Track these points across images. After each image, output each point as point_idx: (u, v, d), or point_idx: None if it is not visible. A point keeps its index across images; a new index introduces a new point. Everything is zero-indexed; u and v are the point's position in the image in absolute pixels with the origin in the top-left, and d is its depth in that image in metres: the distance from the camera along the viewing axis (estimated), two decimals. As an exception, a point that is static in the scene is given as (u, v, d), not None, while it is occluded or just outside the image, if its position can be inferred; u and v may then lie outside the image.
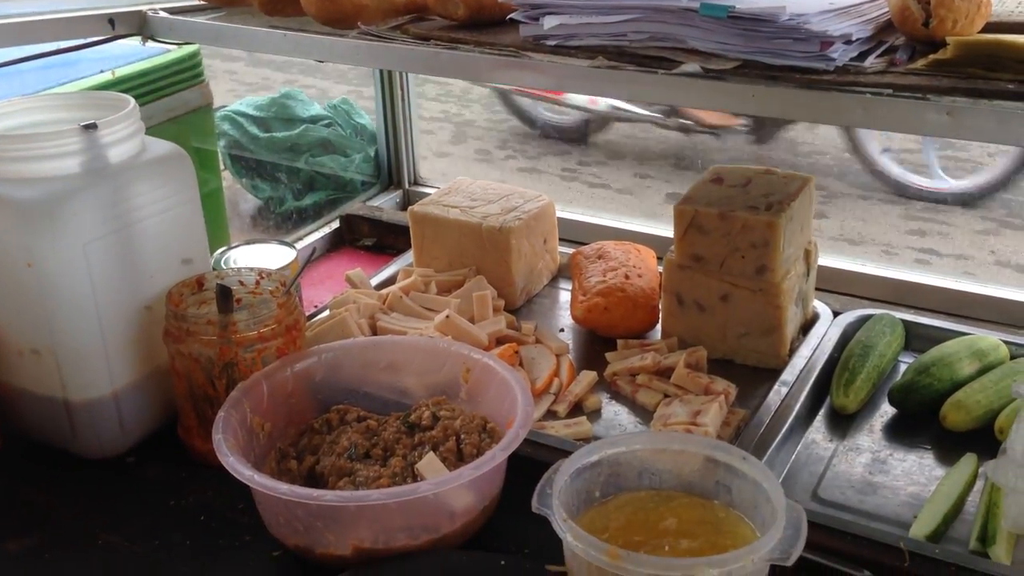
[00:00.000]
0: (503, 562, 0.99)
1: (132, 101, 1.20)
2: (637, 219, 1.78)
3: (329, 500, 0.95)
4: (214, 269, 1.39)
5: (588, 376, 1.34)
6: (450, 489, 0.98)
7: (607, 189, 4.32)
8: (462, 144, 4.80)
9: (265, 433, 1.13)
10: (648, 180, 4.38)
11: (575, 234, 1.75)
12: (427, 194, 1.95)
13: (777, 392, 1.26)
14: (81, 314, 1.14)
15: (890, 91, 0.96)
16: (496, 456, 1.00)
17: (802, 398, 1.25)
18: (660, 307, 1.45)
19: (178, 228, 1.23)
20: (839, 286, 1.55)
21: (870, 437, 1.23)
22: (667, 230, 1.73)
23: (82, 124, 1.12)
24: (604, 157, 4.61)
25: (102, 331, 1.16)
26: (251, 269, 1.27)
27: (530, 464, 1.09)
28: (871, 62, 1.01)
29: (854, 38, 1.02)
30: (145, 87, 1.50)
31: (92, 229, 1.12)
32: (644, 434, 1.14)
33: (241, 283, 1.26)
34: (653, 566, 0.89)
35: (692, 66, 1.04)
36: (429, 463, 1.06)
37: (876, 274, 1.57)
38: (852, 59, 1.01)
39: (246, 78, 5.59)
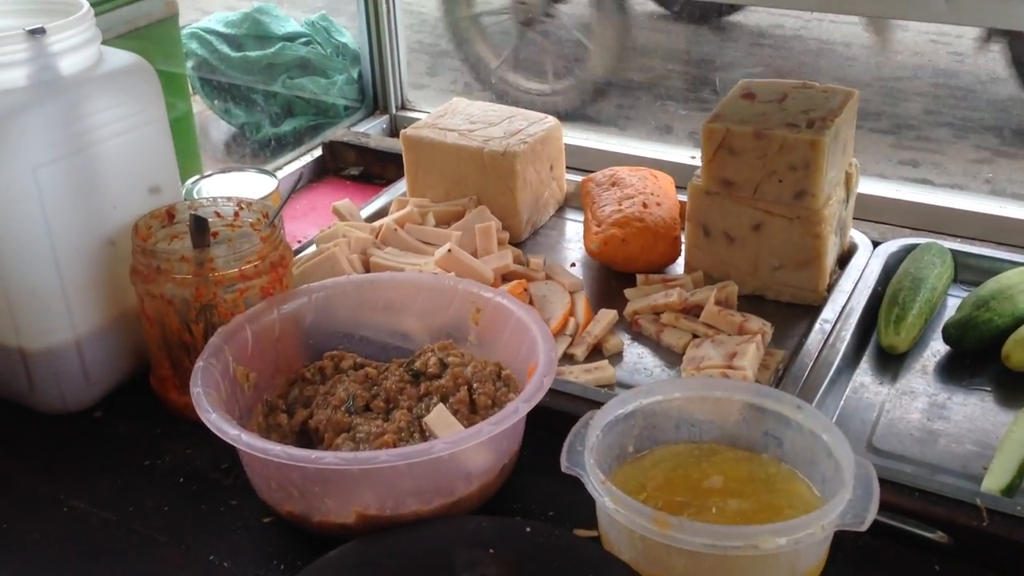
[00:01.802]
0: (528, 529, 0.86)
1: (86, 4, 1.03)
2: (648, 143, 1.64)
3: (329, 463, 0.82)
4: (186, 200, 1.24)
5: (607, 315, 1.21)
6: (467, 448, 0.85)
7: (591, 122, 4.16)
8: (438, 76, 4.60)
9: (250, 384, 0.99)
10: (631, 111, 4.23)
11: (580, 161, 1.61)
12: (415, 120, 1.80)
13: (819, 331, 1.14)
14: (34, 250, 0.99)
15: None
16: (519, 409, 0.87)
17: (848, 337, 1.12)
18: (682, 238, 1.32)
19: (143, 151, 1.07)
20: (869, 213, 1.42)
21: (924, 379, 1.11)
22: (680, 155, 1.60)
23: (28, 29, 0.96)
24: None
25: (59, 269, 1.01)
26: (229, 199, 1.12)
27: (549, 415, 0.97)
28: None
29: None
30: (101, -7, 1.33)
31: (43, 151, 0.97)
32: (682, 380, 1.02)
33: (218, 215, 1.11)
34: (709, 535, 0.77)
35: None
36: (439, 416, 0.93)
37: (910, 199, 1.44)
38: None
39: (214, -4, 5.31)
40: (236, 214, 1.11)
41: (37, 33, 0.96)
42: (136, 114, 1.06)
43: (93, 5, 1.30)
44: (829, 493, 0.86)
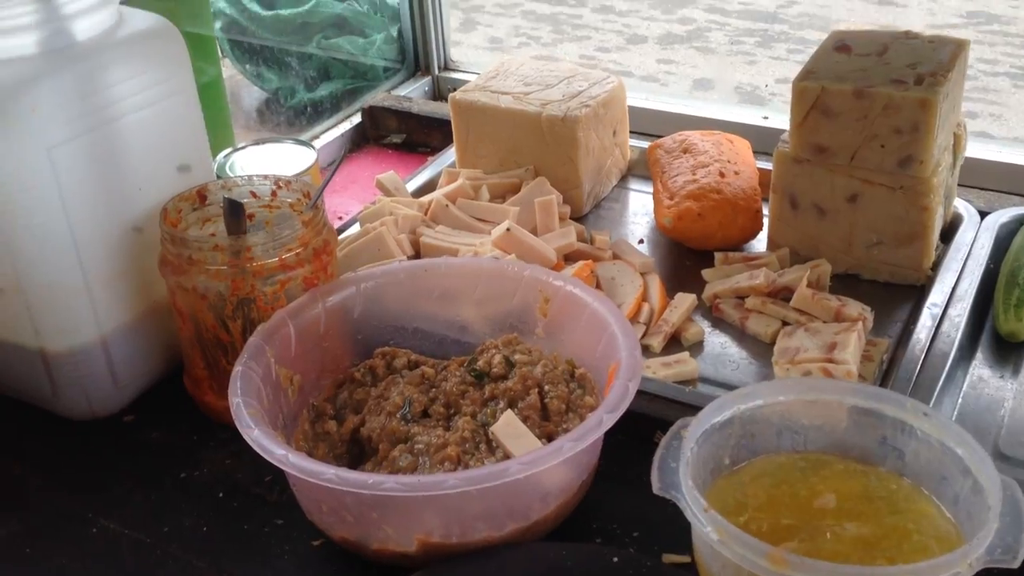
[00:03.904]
0: (615, 559, 0.75)
1: (101, -41, 0.92)
2: (714, 104, 1.50)
3: (389, 488, 0.71)
4: (218, 177, 1.13)
5: (686, 300, 1.08)
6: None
7: (629, 76, 3.99)
8: (472, 32, 4.45)
9: (294, 388, 0.88)
10: (672, 66, 4.06)
11: (642, 124, 1.47)
12: (461, 81, 1.67)
13: (928, 316, 1.01)
14: (52, 240, 0.88)
15: None
16: (603, 421, 0.76)
17: (961, 324, 1.00)
18: (764, 211, 1.19)
19: (170, 125, 0.96)
20: (969, 177, 1.27)
21: (1049, 371, 0.99)
22: (753, 116, 1.47)
23: (36, -11, 0.84)
24: (624, 42, 4.28)
25: (80, 261, 0.90)
26: (265, 177, 1.01)
27: (625, 417, 0.84)
28: None
29: None
30: (120, -50, 1.21)
31: (57, 129, 0.86)
32: (785, 382, 0.90)
33: (254, 195, 1.00)
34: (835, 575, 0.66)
35: None
36: (508, 426, 0.82)
37: (1014, 162, 1.30)
38: None
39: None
40: (274, 193, 1.00)
41: (47, -7, 0.85)
42: (161, 83, 0.94)
43: (112, -38, 1.19)
44: (964, 516, 0.74)
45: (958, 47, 1.07)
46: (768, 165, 1.16)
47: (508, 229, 1.12)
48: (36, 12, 0.85)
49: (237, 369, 0.82)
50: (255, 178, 1.01)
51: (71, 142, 0.87)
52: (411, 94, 1.66)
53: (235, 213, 0.89)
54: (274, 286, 0.91)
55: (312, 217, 0.93)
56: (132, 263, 0.95)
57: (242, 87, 1.82)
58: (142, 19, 0.95)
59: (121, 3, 0.95)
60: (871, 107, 1.02)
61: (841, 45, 1.11)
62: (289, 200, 1.00)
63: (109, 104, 0.89)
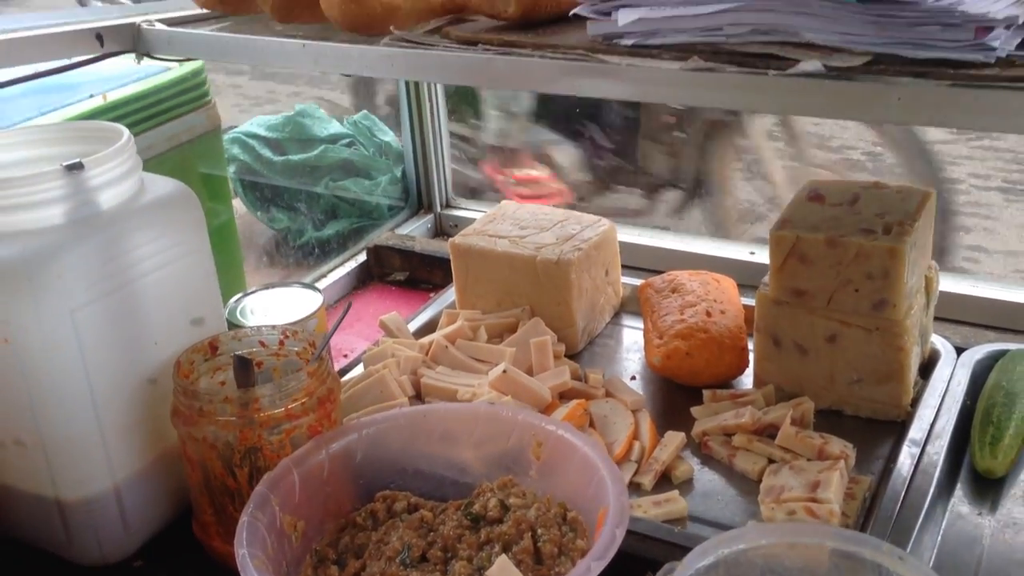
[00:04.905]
0: None
1: (126, 132, 1.00)
2: (703, 240, 1.57)
3: (387, 639, 0.74)
4: (229, 321, 1.19)
5: (675, 439, 1.13)
6: (537, 613, 0.78)
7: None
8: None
9: (298, 534, 0.92)
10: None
11: (634, 259, 1.54)
12: (462, 218, 1.76)
13: (907, 454, 1.05)
14: (71, 396, 0.94)
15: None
16: (591, 569, 0.80)
17: (939, 461, 1.04)
18: (750, 347, 1.24)
19: (185, 283, 1.03)
20: (947, 311, 1.33)
21: (1026, 506, 1.02)
22: (740, 252, 1.53)
23: (65, 164, 0.92)
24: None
25: (97, 415, 0.95)
26: (273, 327, 1.07)
27: (616, 557, 0.89)
28: (1041, 51, 0.80)
29: (1021, 22, 0.81)
30: (142, 112, 1.30)
31: (81, 293, 0.92)
32: (767, 526, 0.94)
33: (262, 344, 1.06)
34: None
35: (812, 63, 0.83)
36: (503, 571, 0.86)
37: (988, 296, 1.36)
38: (1017, 47, 0.81)
39: (251, 91, 5.38)
40: (281, 343, 1.06)
41: (75, 169, 0.92)
42: (178, 244, 1.01)
43: (136, 124, 1.28)
44: (942, 658, 0.77)
45: (924, 197, 1.14)
46: (754, 301, 1.21)
47: (504, 371, 1.17)
48: (65, 186, 0.92)
49: (243, 519, 0.86)
50: (264, 328, 1.07)
51: (93, 304, 0.93)
52: (414, 231, 1.74)
53: (244, 368, 0.94)
54: (280, 435, 0.95)
55: (317, 368, 0.98)
56: (146, 413, 1.00)
57: (254, 226, 1.90)
58: (162, 185, 1.02)
59: (144, 161, 1.02)
60: (844, 255, 1.09)
61: (815, 195, 1.18)
62: (296, 349, 1.05)
63: (129, 266, 0.96)
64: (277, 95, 5.33)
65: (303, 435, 0.97)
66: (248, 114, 4.90)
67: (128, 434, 0.98)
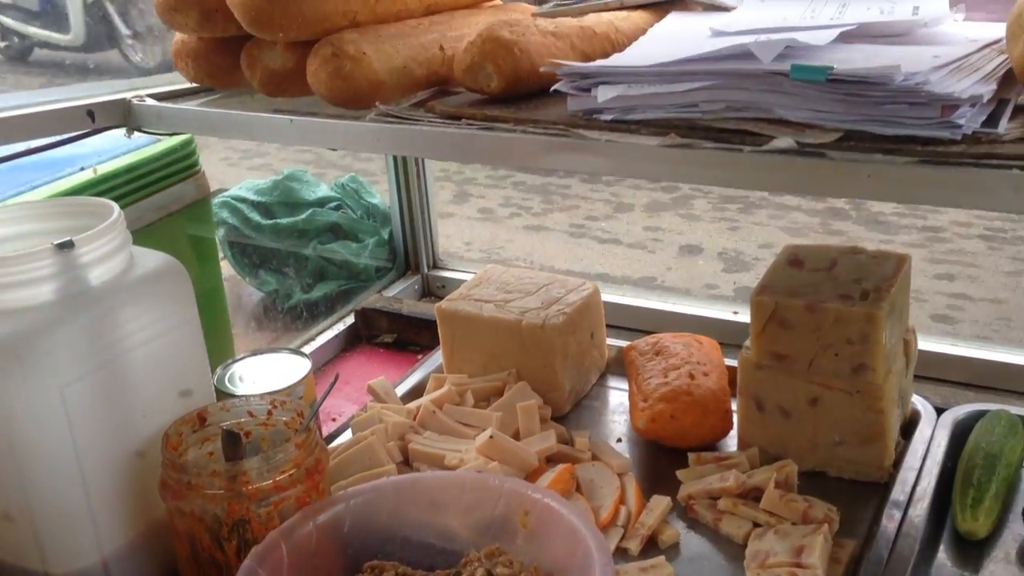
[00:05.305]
0: None
1: (116, 209, 1.02)
2: (686, 301, 1.59)
3: None
4: (217, 389, 1.20)
5: (661, 503, 1.14)
6: None
7: (618, 244, 4.15)
8: (464, 203, 4.64)
9: (287, 608, 0.93)
10: (659, 232, 4.22)
11: (617, 318, 1.56)
12: (449, 279, 1.78)
13: (891, 516, 1.06)
14: (60, 471, 0.94)
15: (1039, 164, 0.78)
16: (579, 641, 0.80)
17: (922, 524, 1.05)
18: (734, 410, 1.26)
19: (174, 355, 1.04)
20: (927, 370, 1.35)
21: (1008, 568, 1.03)
22: (723, 311, 1.56)
23: (56, 243, 0.93)
24: (612, 210, 4.45)
25: (86, 489, 0.96)
26: (261, 397, 1.08)
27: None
28: (1005, 127, 0.83)
29: (985, 100, 0.84)
30: (132, 184, 1.32)
31: (71, 369, 0.93)
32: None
33: (251, 414, 1.07)
34: None
35: (785, 140, 0.85)
36: (490, 642, 0.86)
37: (966, 355, 1.38)
38: (983, 124, 0.83)
39: (240, 143, 5.42)
40: (269, 413, 1.07)
41: (65, 247, 0.94)
42: (167, 317, 1.03)
43: (126, 195, 1.30)
44: None
45: (899, 262, 1.17)
46: (737, 362, 1.23)
47: (492, 436, 1.18)
48: (54, 265, 0.93)
49: (231, 595, 0.87)
50: (252, 398, 1.08)
51: (82, 380, 0.94)
52: (402, 292, 1.76)
53: (232, 442, 0.95)
54: (268, 507, 0.96)
55: (305, 439, 0.99)
56: (134, 486, 1.00)
57: (242, 288, 1.91)
58: (151, 259, 1.04)
59: (132, 232, 1.03)
60: (823, 320, 1.11)
61: (794, 260, 1.20)
62: (284, 418, 1.07)
63: (119, 341, 0.97)
64: (266, 147, 5.37)
65: (291, 506, 0.98)
66: (237, 167, 4.94)
67: (116, 507, 0.99)
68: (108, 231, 0.98)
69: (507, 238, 4.17)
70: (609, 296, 1.55)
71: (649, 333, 1.41)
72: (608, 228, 4.29)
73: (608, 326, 1.48)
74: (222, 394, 1.21)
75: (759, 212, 4.09)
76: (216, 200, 1.84)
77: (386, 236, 1.79)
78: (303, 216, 1.82)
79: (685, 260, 3.79)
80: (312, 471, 1.00)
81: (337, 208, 1.85)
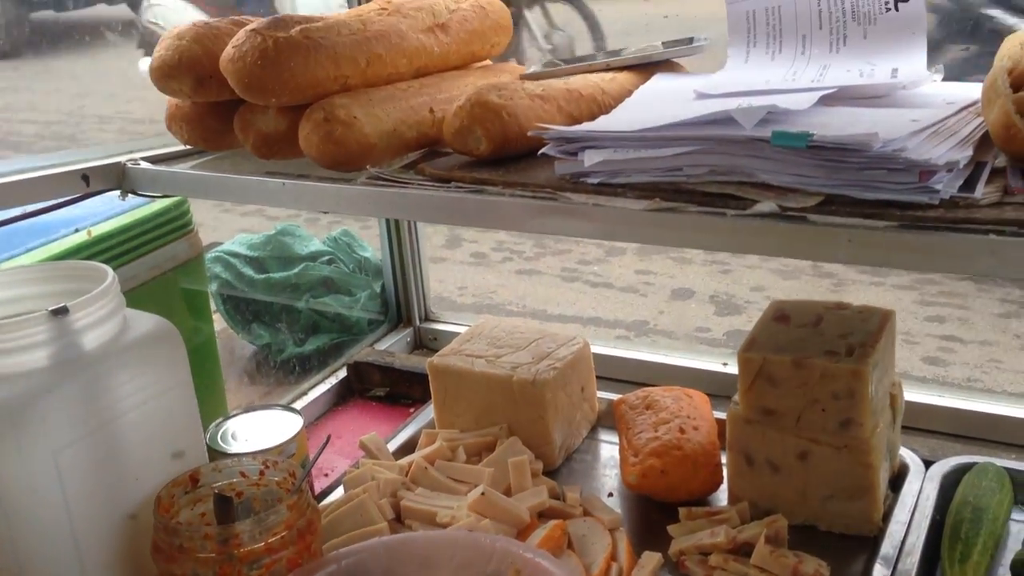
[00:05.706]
0: None
1: (111, 273, 1.03)
2: (676, 353, 1.60)
3: None
4: (209, 447, 1.21)
5: (652, 559, 1.14)
6: None
7: (610, 288, 4.17)
8: (457, 248, 4.67)
9: (278, 672, 0.93)
10: (651, 276, 4.24)
11: (607, 370, 1.58)
12: (441, 332, 1.79)
13: (880, 571, 1.07)
14: (53, 535, 0.95)
15: (1015, 228, 0.80)
16: None
17: (912, 579, 1.05)
18: (723, 464, 1.27)
19: (167, 417, 1.05)
20: (915, 420, 1.36)
21: (998, 623, 1.04)
22: (711, 363, 1.57)
23: (50, 309, 0.95)
24: (603, 254, 4.48)
25: (79, 553, 0.97)
26: (253, 457, 1.09)
27: None
28: (982, 192, 0.85)
29: (962, 165, 0.86)
30: (126, 244, 1.34)
31: (64, 433, 0.94)
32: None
33: (243, 474, 1.07)
34: None
35: (767, 204, 0.87)
36: None
37: (953, 406, 1.39)
38: (960, 188, 0.85)
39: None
40: (261, 473, 1.08)
41: (60, 313, 0.95)
42: (161, 380, 1.04)
43: (119, 256, 1.32)
44: None
45: (884, 317, 1.18)
46: (726, 415, 1.24)
47: (483, 493, 1.18)
48: (48, 331, 0.94)
49: (223, 660, 0.87)
50: (244, 458, 1.09)
51: (75, 444, 0.95)
52: (394, 345, 1.77)
53: (224, 506, 0.96)
54: (260, 569, 0.96)
55: (297, 500, 1.00)
56: (126, 548, 1.01)
57: (234, 342, 1.92)
58: (145, 322, 1.05)
59: (125, 294, 1.04)
60: (809, 376, 1.12)
61: (780, 315, 1.22)
62: (276, 479, 1.07)
63: (112, 405, 0.98)
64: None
65: (283, 568, 0.98)
66: (230, 213, 4.97)
67: (109, 571, 0.99)
68: (102, 296, 0.99)
69: (500, 282, 4.19)
70: (599, 348, 1.57)
71: (639, 384, 1.42)
72: (600, 272, 4.31)
73: (598, 377, 1.49)
74: (215, 452, 1.21)
75: (750, 255, 4.12)
76: (209, 255, 1.85)
77: (378, 289, 1.81)
78: (296, 270, 1.84)
79: (677, 304, 3.81)
80: (304, 532, 1.00)
81: (329, 262, 1.87)
